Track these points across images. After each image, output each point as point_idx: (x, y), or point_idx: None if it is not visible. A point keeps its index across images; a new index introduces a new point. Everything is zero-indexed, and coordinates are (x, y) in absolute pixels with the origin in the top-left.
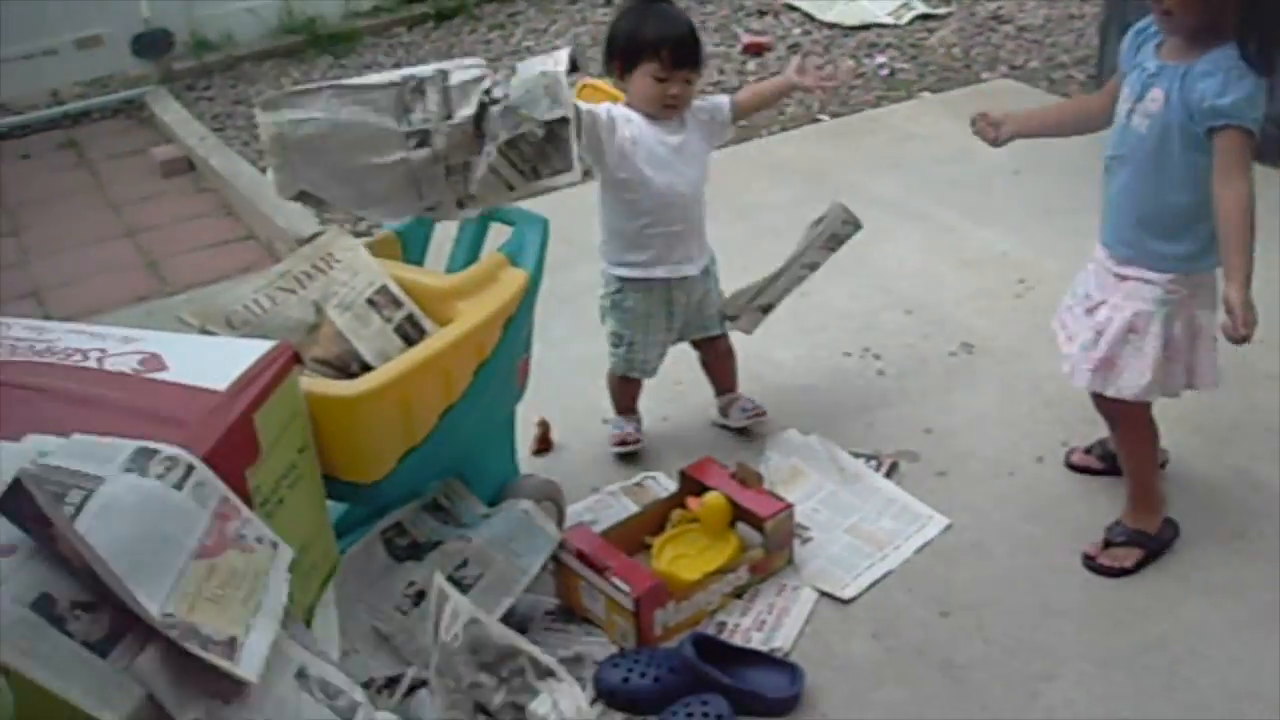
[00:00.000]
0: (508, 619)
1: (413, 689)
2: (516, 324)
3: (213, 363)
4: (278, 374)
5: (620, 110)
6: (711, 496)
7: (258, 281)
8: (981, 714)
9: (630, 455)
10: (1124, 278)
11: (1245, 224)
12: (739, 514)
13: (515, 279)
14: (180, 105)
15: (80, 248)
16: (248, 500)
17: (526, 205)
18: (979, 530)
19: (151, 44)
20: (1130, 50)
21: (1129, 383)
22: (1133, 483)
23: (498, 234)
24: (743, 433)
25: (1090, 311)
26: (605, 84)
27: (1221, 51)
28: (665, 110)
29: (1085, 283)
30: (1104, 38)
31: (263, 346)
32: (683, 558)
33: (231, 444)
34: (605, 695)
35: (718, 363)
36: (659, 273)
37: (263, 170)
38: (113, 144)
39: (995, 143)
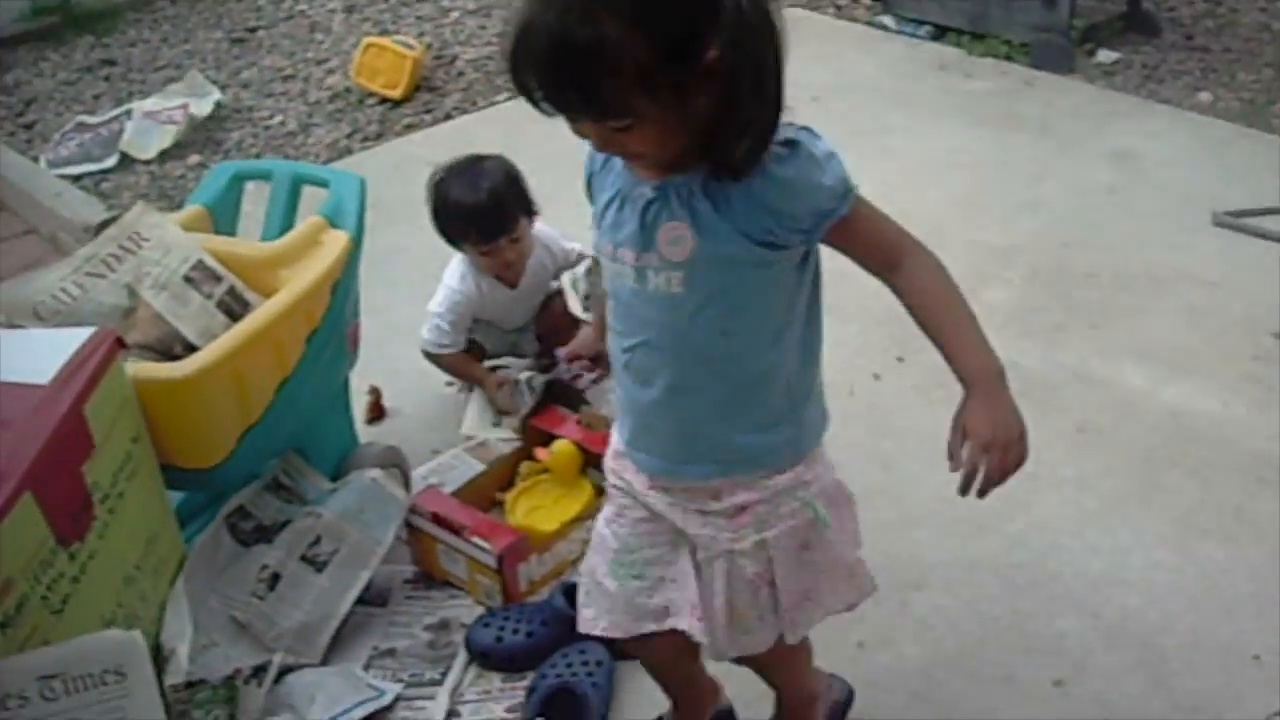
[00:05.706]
0: (366, 591)
1: (282, 674)
2: (344, 287)
3: (30, 356)
4: (103, 361)
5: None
6: (560, 444)
7: (62, 269)
8: (858, 625)
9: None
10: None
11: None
12: (589, 459)
13: (338, 241)
14: None
15: None
16: (87, 498)
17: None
18: (830, 450)
19: None
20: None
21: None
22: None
23: (311, 197)
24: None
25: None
26: (387, 41)
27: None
28: (506, 277)
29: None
30: None
31: (83, 334)
32: (538, 509)
33: (63, 439)
34: (479, 657)
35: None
36: None
37: (34, 160)
38: None
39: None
